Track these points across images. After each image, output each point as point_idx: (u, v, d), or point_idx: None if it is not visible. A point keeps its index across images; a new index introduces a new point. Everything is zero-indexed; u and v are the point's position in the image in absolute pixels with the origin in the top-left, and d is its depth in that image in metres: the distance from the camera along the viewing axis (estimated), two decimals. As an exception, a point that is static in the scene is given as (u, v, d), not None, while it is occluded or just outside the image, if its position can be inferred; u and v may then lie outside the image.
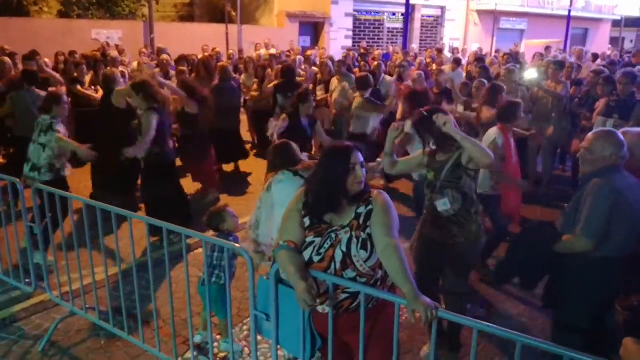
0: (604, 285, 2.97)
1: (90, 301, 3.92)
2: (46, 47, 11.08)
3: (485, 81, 7.08)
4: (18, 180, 4.02)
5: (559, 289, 3.10)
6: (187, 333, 3.57)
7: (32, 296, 4.38)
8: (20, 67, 8.63)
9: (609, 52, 16.97)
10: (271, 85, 8.41)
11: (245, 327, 4.00)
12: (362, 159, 2.42)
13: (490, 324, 2.04)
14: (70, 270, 3.93)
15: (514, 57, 12.26)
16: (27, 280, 4.26)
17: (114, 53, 10.56)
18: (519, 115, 5.00)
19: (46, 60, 8.99)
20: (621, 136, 2.99)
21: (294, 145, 3.64)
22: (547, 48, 14.87)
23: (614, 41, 27.46)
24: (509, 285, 4.51)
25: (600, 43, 26.17)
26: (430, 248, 3.56)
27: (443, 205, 3.37)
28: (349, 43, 19.99)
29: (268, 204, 3.29)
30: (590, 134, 3.12)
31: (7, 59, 8.10)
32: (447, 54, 14.75)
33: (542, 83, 7.32)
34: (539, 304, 3.75)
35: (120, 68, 8.84)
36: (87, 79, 8.24)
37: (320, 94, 8.88)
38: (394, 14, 21.53)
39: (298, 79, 8.68)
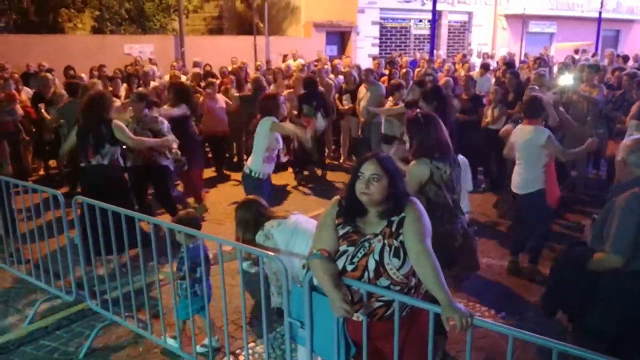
0: (633, 298, 2.92)
1: (128, 309, 4.03)
2: (80, 63, 11.46)
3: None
4: (59, 192, 4.17)
5: (589, 299, 3.05)
6: (222, 340, 3.63)
7: (72, 305, 4.52)
8: (58, 81, 8.98)
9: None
10: (286, 92, 8.59)
11: (278, 335, 4.05)
12: (377, 171, 2.38)
13: (525, 332, 2.04)
14: (109, 279, 4.05)
15: (544, 61, 12.08)
16: (67, 289, 4.42)
17: (147, 67, 10.84)
18: (545, 110, 5.03)
19: (82, 75, 9.29)
20: None
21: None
22: (578, 51, 14.62)
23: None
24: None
25: (632, 44, 25.54)
26: None
27: None
28: (375, 51, 20.02)
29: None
30: (626, 142, 3.08)
31: (49, 74, 8.44)
32: (475, 59, 14.64)
33: (577, 88, 7.22)
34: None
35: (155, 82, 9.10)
36: (122, 92, 8.49)
37: (345, 103, 8.94)
38: (420, 21, 21.47)
39: (321, 88, 8.78)
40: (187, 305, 3.61)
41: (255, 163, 5.34)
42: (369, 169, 2.39)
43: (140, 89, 8.94)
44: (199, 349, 3.65)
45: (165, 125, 5.98)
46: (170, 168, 6.07)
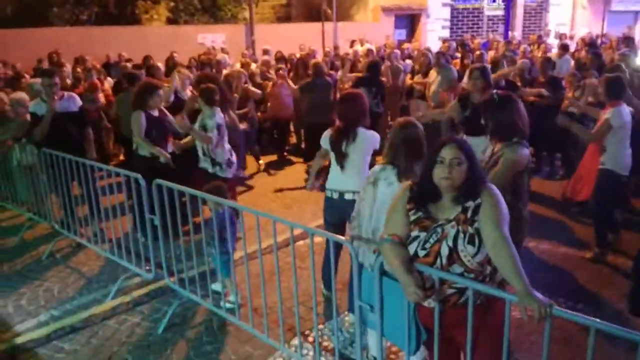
0: None
1: (204, 288, 4.20)
2: (157, 52, 11.88)
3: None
4: (139, 176, 4.38)
5: None
6: (293, 321, 3.72)
7: (151, 282, 4.77)
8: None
9: None
10: (353, 75, 8.50)
11: (346, 318, 4.09)
12: (458, 154, 2.32)
13: (610, 324, 1.94)
14: (186, 258, 4.23)
15: (628, 42, 11.27)
16: (147, 268, 4.66)
17: (219, 56, 11.12)
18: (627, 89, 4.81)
19: (159, 64, 9.64)
20: None
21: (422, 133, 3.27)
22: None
23: None
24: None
25: None
26: None
27: None
28: (446, 34, 19.47)
29: (371, 198, 3.21)
30: None
31: (128, 64, 8.87)
32: (552, 40, 13.92)
33: None
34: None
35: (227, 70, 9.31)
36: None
37: (417, 78, 8.76)
38: (494, 1, 20.62)
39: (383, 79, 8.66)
40: (224, 262, 4.04)
41: None
42: (449, 153, 2.33)
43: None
44: (227, 305, 4.00)
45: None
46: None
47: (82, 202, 5.33)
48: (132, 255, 4.72)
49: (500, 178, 3.26)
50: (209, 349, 3.88)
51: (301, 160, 8.69)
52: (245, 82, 8.26)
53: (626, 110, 4.80)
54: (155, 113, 5.53)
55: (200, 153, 5.45)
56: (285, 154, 9.35)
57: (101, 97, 8.46)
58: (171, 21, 19.26)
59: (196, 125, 5.41)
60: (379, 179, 3.18)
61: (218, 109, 5.48)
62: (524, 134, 3.42)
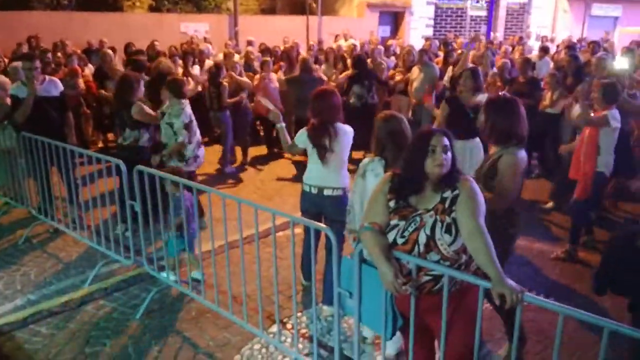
0: None
1: (184, 275, 4.21)
2: (139, 40, 11.76)
3: None
4: (121, 162, 4.37)
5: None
6: (272, 309, 3.76)
7: (130, 269, 4.76)
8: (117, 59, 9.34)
9: None
10: (343, 75, 8.54)
11: (324, 307, 4.14)
12: (446, 142, 2.43)
13: (577, 309, 2.03)
14: (165, 245, 4.24)
15: (600, 46, 11.45)
16: (126, 255, 4.65)
17: (202, 45, 11.05)
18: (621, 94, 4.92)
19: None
20: None
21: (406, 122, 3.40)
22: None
23: None
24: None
25: None
26: None
27: None
28: (429, 32, 19.63)
29: (361, 190, 3.31)
30: None
31: (109, 51, 8.80)
32: (534, 42, 14.15)
33: (633, 73, 6.91)
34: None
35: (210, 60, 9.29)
36: (179, 70, 8.72)
37: (398, 77, 8.85)
38: (477, 1, 20.82)
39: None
40: (172, 245, 4.24)
41: None
42: (440, 141, 2.42)
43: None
44: (194, 274, 4.25)
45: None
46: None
47: (61, 187, 5.29)
48: (111, 242, 4.71)
49: (509, 184, 3.23)
50: (188, 335, 3.90)
51: (286, 153, 8.71)
52: (240, 73, 8.26)
53: (618, 115, 4.92)
54: None
55: (166, 151, 5.37)
56: (270, 147, 9.35)
57: (81, 82, 8.37)
58: (154, 9, 19.02)
59: (163, 123, 5.34)
60: (367, 170, 3.30)
61: (186, 102, 5.43)
62: (523, 138, 3.39)
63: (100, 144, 9.26)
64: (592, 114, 4.98)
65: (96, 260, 4.86)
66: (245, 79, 8.29)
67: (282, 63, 9.48)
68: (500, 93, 4.03)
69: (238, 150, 8.53)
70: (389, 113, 3.45)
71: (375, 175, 3.24)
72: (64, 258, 5.15)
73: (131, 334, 3.92)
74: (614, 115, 4.86)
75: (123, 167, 4.29)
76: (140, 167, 4.18)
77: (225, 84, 7.75)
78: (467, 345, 2.43)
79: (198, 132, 5.54)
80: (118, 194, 4.50)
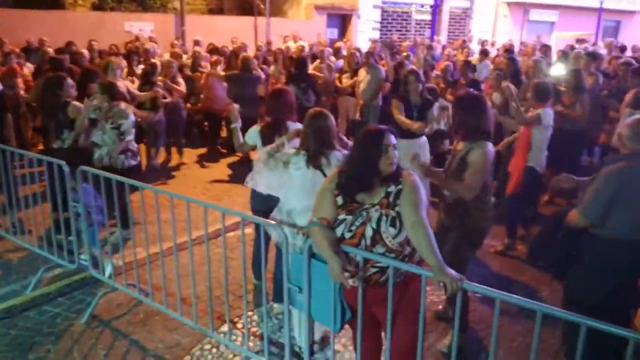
0: (610, 265, 3.04)
1: (130, 278, 4.14)
2: (81, 39, 11.39)
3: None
4: (64, 163, 4.25)
5: (571, 265, 3.20)
6: (222, 309, 3.76)
7: (74, 273, 4.62)
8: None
9: (640, 45, 16.55)
10: (349, 82, 8.69)
11: (275, 305, 4.17)
12: (394, 141, 2.55)
13: (511, 295, 2.16)
14: (112, 249, 4.16)
15: (545, 50, 12.01)
16: (70, 258, 4.52)
17: (147, 45, 10.84)
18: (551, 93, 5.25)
19: (83, 51, 9.29)
20: None
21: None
22: (580, 40, 14.65)
23: (648, 33, 26.71)
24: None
25: (633, 35, 25.50)
26: (443, 232, 3.70)
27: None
28: (376, 35, 19.96)
29: (283, 180, 3.42)
30: (628, 119, 3.20)
31: (49, 50, 8.49)
32: (475, 46, 14.66)
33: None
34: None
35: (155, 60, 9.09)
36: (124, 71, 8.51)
37: (345, 81, 8.97)
38: (422, 6, 21.35)
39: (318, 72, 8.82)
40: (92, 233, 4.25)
41: None
42: (391, 140, 2.54)
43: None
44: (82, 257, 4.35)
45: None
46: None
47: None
48: (53, 247, 4.57)
49: (477, 176, 3.38)
50: (135, 337, 3.84)
51: (233, 152, 8.67)
52: (174, 75, 8.11)
53: (551, 113, 5.18)
54: None
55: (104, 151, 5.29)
56: (217, 146, 9.28)
57: (20, 82, 8.04)
58: (97, 7, 18.47)
59: (108, 126, 5.26)
60: (290, 162, 3.38)
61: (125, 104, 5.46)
62: (489, 133, 3.55)
63: (41, 146, 8.91)
64: (525, 114, 5.24)
65: (38, 265, 4.70)
66: (176, 86, 8.08)
67: (219, 57, 9.39)
68: (466, 91, 4.18)
69: (174, 151, 8.47)
70: (318, 110, 3.54)
71: (296, 168, 3.34)
72: (3, 264, 4.95)
73: (77, 339, 3.83)
74: (547, 113, 5.11)
75: (66, 169, 4.18)
76: (84, 167, 4.08)
77: (160, 83, 7.64)
78: (412, 333, 2.53)
79: None
80: (61, 197, 4.36)
